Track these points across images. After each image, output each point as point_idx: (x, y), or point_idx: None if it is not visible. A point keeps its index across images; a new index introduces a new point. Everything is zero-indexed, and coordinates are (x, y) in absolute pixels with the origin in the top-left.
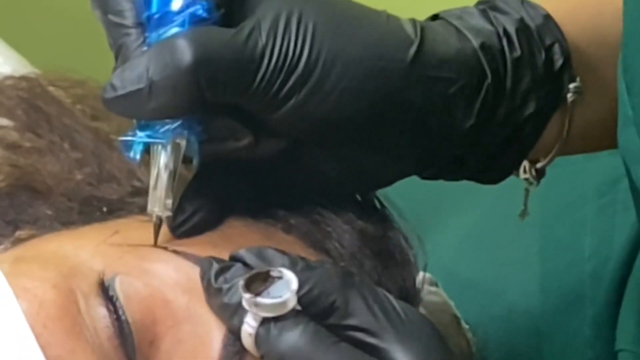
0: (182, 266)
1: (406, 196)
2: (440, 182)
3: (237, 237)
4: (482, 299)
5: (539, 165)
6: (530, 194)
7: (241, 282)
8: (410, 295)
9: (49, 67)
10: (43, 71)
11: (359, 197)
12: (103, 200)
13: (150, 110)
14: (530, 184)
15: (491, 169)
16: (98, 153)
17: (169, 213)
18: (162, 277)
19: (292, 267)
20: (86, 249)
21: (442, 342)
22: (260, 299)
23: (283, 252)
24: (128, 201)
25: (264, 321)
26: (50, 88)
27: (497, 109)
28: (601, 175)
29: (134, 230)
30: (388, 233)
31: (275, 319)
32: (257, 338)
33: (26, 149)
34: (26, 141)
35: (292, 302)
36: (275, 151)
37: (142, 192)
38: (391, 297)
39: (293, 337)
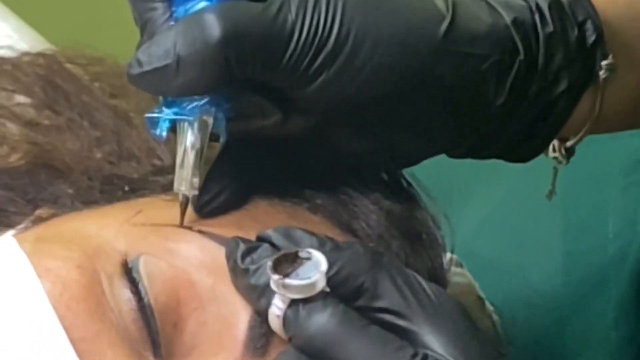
0: (207, 246)
1: (426, 175)
2: (461, 161)
3: (263, 217)
4: (503, 280)
5: (568, 143)
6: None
7: (269, 263)
8: (438, 277)
9: (65, 44)
10: (60, 48)
11: (385, 177)
12: (125, 179)
13: (177, 86)
14: (559, 163)
15: (521, 147)
16: (117, 131)
17: (196, 192)
18: (187, 257)
19: (321, 247)
20: (109, 229)
21: (472, 325)
22: (288, 280)
23: (311, 233)
24: (150, 180)
25: (292, 303)
26: (68, 65)
27: (529, 86)
28: (626, 155)
29: (157, 209)
30: (415, 213)
31: (304, 301)
32: (285, 320)
33: (45, 127)
34: (44, 119)
35: (321, 284)
36: (303, 129)
37: (165, 170)
38: (421, 279)
39: (322, 319)
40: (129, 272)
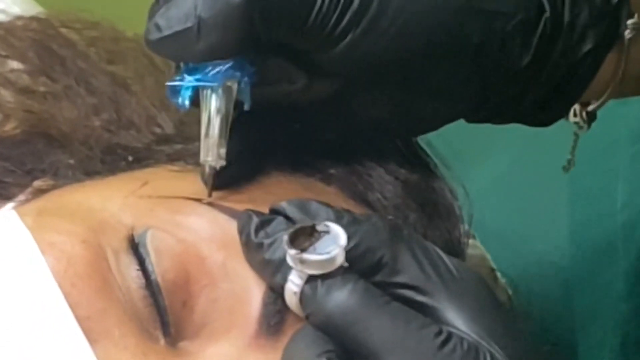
0: (217, 220)
1: (429, 142)
2: (464, 129)
3: (275, 188)
4: (508, 250)
5: (590, 108)
6: (559, 141)
7: (285, 237)
8: (456, 250)
9: (60, 8)
10: (54, 12)
11: (400, 145)
12: (128, 148)
13: (199, 51)
14: (580, 128)
15: (544, 110)
16: (115, 98)
17: (223, 163)
18: (196, 231)
19: (338, 220)
20: (114, 201)
21: (495, 300)
22: (306, 255)
23: (327, 205)
24: (155, 149)
25: (310, 279)
26: (63, 30)
27: (554, 46)
28: (635, 121)
29: (164, 180)
30: (432, 183)
31: (322, 277)
32: (302, 297)
33: (40, 94)
34: (40, 85)
35: (340, 259)
36: (327, 94)
37: (170, 139)
38: (441, 253)
39: (342, 296)
40: (135, 247)
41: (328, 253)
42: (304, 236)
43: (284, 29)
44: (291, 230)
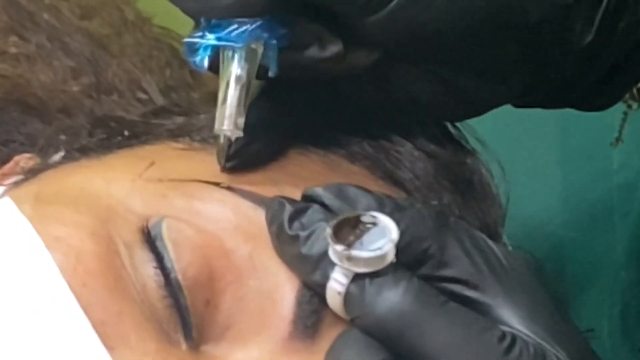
0: (241, 207)
1: None
2: None
3: (297, 169)
4: None
5: None
6: None
7: (329, 230)
8: (493, 233)
9: None
10: None
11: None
12: (123, 121)
13: (225, 5)
14: (629, 106)
15: (601, 94)
16: (94, 59)
17: (240, 134)
18: (218, 220)
19: (380, 208)
20: (120, 185)
21: (549, 294)
22: (355, 252)
23: (367, 190)
24: (154, 123)
25: (356, 277)
26: None
27: (617, 23)
28: None
29: (172, 160)
30: (465, 159)
31: (371, 275)
32: (348, 297)
33: (12, 56)
34: (11, 46)
35: (391, 255)
36: (363, 66)
37: (171, 111)
38: (490, 242)
39: (395, 296)
40: (150, 240)
41: (380, 249)
42: (347, 228)
43: None
44: (334, 221)
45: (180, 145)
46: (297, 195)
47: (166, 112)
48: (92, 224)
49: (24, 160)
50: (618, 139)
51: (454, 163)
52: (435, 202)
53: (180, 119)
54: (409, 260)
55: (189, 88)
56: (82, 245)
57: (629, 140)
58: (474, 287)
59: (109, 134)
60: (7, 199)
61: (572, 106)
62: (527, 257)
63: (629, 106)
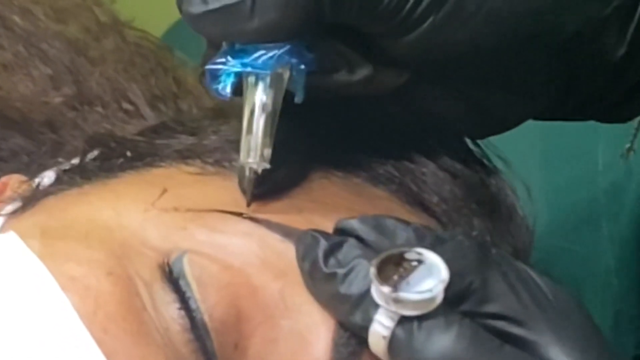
0: (267, 240)
1: None
2: None
3: (322, 195)
4: None
5: None
6: None
7: (373, 270)
8: (524, 260)
9: None
10: None
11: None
12: (125, 142)
13: (251, 30)
14: None
15: (627, 106)
16: (75, 67)
17: (267, 165)
18: (244, 255)
19: (420, 241)
20: (132, 216)
21: (594, 326)
22: (404, 295)
23: (405, 222)
24: (159, 143)
25: (403, 319)
26: None
27: None
28: None
29: (186, 187)
30: (490, 179)
31: (419, 318)
32: (394, 342)
33: None
34: None
35: (441, 297)
36: (392, 86)
37: (175, 129)
38: (534, 274)
39: (446, 341)
40: (172, 279)
41: (430, 291)
42: (391, 265)
43: (355, 10)
44: (377, 259)
45: (192, 169)
46: (326, 225)
47: (169, 129)
48: (107, 262)
49: (16, 182)
50: (629, 149)
51: (479, 184)
52: (475, 233)
53: (188, 139)
54: (451, 296)
55: (175, 97)
56: (100, 286)
57: (615, 140)
58: (520, 323)
59: (108, 155)
60: (11, 234)
61: (595, 119)
62: (571, 291)
63: None
